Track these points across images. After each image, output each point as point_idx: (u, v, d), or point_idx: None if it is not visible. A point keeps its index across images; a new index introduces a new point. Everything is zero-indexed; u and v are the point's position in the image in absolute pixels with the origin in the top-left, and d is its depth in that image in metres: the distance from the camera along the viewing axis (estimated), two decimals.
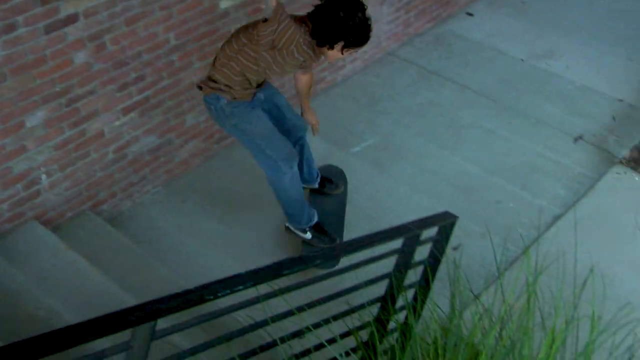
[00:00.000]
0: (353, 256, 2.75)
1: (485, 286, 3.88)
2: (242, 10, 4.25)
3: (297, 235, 3.95)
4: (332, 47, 3.29)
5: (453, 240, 4.17)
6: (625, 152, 4.88)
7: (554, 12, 6.14)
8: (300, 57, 3.29)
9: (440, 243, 2.89)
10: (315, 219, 3.95)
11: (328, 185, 4.26)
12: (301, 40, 3.24)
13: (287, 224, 3.96)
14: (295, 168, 3.69)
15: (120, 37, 3.70)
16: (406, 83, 5.44)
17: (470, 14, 6.11)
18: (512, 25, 6.03)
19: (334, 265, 3.69)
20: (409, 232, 2.66)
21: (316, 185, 4.22)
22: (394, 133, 5.02)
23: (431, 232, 3.06)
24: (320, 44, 3.28)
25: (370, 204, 4.49)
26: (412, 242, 2.80)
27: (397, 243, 2.93)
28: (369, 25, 3.27)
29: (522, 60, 5.64)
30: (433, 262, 2.94)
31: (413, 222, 2.76)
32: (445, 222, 2.87)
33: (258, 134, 3.56)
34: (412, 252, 2.82)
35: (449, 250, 3.93)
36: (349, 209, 4.35)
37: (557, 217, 4.43)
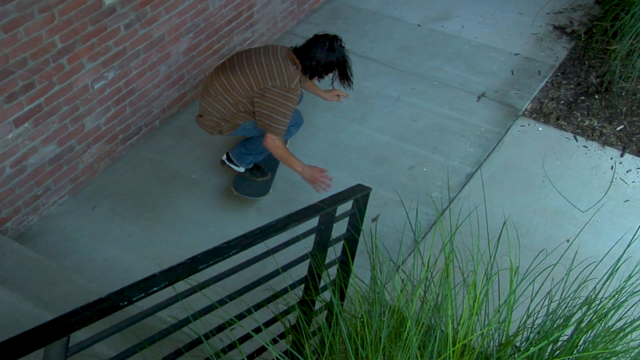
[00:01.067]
0: (270, 241, 2.72)
1: (409, 252, 3.93)
2: (129, 5, 4.11)
3: (231, 168, 4.34)
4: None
5: (371, 212, 4.22)
6: (526, 105, 5.02)
7: None
8: (300, 92, 4.12)
9: (356, 217, 2.89)
10: (251, 165, 4.35)
11: None
12: (293, 96, 3.84)
13: (224, 158, 4.32)
14: (297, 130, 4.27)
15: (0, 45, 3.52)
16: None
17: None
18: None
19: (265, 193, 4.29)
20: (323, 209, 2.65)
21: None
22: (302, 111, 4.99)
23: (347, 206, 3.06)
24: (311, 77, 3.96)
25: (285, 185, 4.46)
26: (328, 220, 2.80)
27: (314, 222, 2.92)
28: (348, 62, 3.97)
29: (419, 25, 5.70)
30: (352, 237, 2.94)
31: (326, 200, 2.75)
32: (359, 195, 2.87)
33: (255, 125, 4.02)
34: (329, 230, 2.81)
35: (368, 222, 3.97)
36: (264, 196, 4.35)
37: (469, 176, 4.52)
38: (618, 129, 4.81)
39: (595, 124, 4.84)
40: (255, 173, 4.36)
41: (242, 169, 4.34)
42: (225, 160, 4.33)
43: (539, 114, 4.94)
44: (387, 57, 5.41)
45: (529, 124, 4.87)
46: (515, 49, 5.47)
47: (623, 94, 5.02)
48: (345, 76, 3.98)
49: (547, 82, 5.18)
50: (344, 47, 3.95)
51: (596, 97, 5.04)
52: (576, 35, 5.57)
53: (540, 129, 4.84)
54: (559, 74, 5.25)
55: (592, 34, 5.51)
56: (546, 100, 5.04)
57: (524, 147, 4.71)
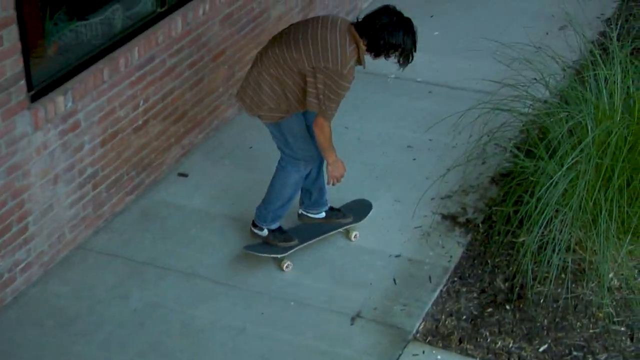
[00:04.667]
0: None
1: None
2: None
3: (258, 235, 5.44)
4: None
5: None
6: (418, 324, 5.03)
7: None
8: (354, 76, 4.90)
9: None
10: (275, 226, 5.42)
11: (333, 214, 5.58)
12: (344, 82, 4.82)
13: (252, 227, 5.44)
14: (307, 172, 5.32)
15: None
16: (111, 285, 5.28)
17: (183, 175, 6.21)
18: (241, 181, 6.18)
19: (282, 253, 5.39)
20: None
21: (322, 215, 5.57)
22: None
23: None
24: (376, 56, 4.92)
25: None
26: None
27: None
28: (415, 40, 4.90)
29: None
30: None
31: None
32: None
33: (290, 132, 5.12)
34: None
35: None
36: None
37: None
38: (541, 349, 4.86)
39: (510, 345, 4.88)
40: (278, 236, 5.40)
41: (265, 232, 5.39)
42: (252, 228, 5.44)
43: (436, 335, 4.95)
44: (222, 270, 5.40)
45: (423, 351, 4.84)
46: (395, 249, 5.56)
47: (541, 301, 5.13)
48: (407, 61, 4.88)
49: (441, 291, 5.26)
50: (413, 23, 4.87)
51: (507, 307, 5.13)
52: (472, 225, 5.75)
53: (439, 357, 4.82)
54: (455, 279, 5.34)
55: (492, 223, 5.70)
56: (443, 317, 5.07)
57: None
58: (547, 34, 7.77)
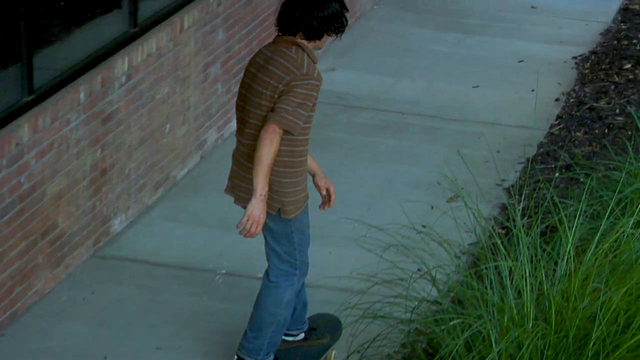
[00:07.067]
0: None
1: None
2: None
3: None
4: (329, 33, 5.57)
5: None
6: None
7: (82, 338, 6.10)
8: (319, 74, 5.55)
9: None
10: (272, 358, 5.83)
11: (312, 334, 6.12)
12: (312, 80, 5.38)
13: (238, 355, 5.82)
14: (299, 287, 5.81)
15: None
16: None
17: None
18: None
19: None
20: None
21: (301, 337, 6.09)
22: None
23: None
24: (320, 37, 5.50)
25: None
26: None
27: None
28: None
29: None
30: None
31: None
32: None
33: (300, 229, 5.63)
34: None
35: None
36: None
37: None
38: None
39: None
40: None
41: None
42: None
43: None
44: None
45: None
46: None
47: None
48: (343, 28, 5.52)
49: None
50: None
51: None
52: None
53: None
54: None
55: None
56: None
57: None
58: (431, 208, 7.82)
